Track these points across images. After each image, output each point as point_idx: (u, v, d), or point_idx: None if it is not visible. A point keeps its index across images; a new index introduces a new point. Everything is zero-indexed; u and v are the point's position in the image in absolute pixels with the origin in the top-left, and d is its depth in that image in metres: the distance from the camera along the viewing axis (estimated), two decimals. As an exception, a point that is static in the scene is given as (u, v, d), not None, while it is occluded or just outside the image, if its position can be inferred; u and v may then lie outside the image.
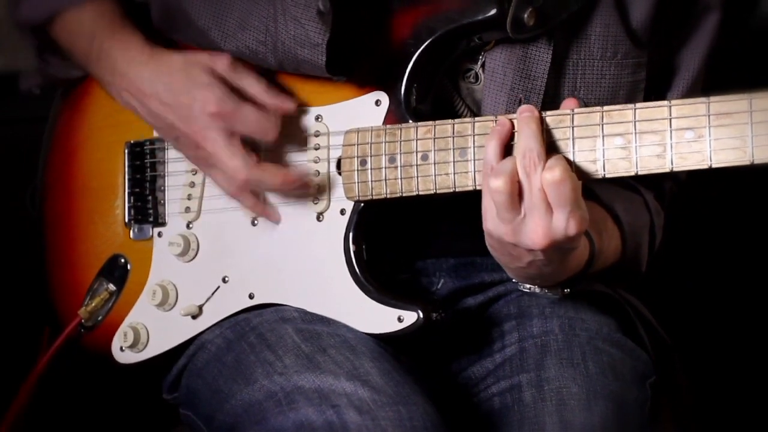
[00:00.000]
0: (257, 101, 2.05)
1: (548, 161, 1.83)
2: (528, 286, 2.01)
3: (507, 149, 1.90)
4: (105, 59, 2.14)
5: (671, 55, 2.16)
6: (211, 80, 2.05)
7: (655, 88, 2.12)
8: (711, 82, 2.14)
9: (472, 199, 1.95)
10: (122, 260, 2.21)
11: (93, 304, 2.21)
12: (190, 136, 2.06)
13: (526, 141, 1.85)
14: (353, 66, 2.04)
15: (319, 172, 2.07)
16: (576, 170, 1.86)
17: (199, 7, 2.13)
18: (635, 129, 1.85)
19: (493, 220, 1.87)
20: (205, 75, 2.05)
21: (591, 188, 2.07)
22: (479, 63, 2.07)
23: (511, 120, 1.90)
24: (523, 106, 1.89)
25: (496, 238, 1.88)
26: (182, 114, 2.05)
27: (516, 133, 1.88)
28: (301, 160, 2.09)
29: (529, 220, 1.84)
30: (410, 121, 2.01)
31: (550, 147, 1.88)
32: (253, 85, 2.07)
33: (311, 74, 2.06)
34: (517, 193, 1.84)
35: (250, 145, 2.05)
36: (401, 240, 2.13)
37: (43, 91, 2.31)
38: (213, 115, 2.02)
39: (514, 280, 2.02)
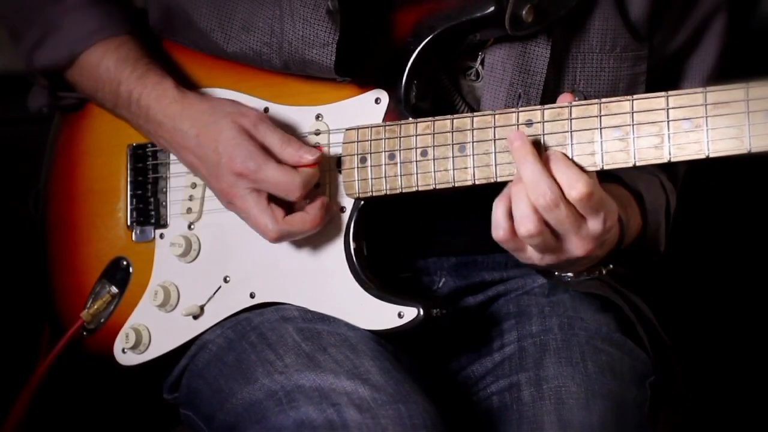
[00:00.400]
0: (280, 157, 2.05)
1: (563, 177, 1.85)
2: (569, 274, 2.03)
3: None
4: (136, 106, 2.14)
5: (681, 58, 2.17)
6: (236, 136, 2.04)
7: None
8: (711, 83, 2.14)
9: (473, 197, 1.96)
10: (124, 263, 2.22)
11: (95, 307, 2.21)
12: (222, 193, 2.07)
13: (529, 173, 1.86)
14: (359, 68, 2.05)
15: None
16: (574, 164, 1.87)
17: (202, 9, 2.13)
18: (633, 120, 1.86)
19: (537, 258, 1.91)
20: (231, 131, 2.05)
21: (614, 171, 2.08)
22: (479, 60, 2.07)
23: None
24: (511, 135, 1.89)
25: (545, 265, 1.93)
26: (212, 171, 2.06)
27: (517, 168, 1.88)
28: (302, 159, 2.10)
29: (570, 241, 1.88)
30: (409, 119, 2.02)
31: (549, 141, 1.90)
32: (275, 142, 2.05)
33: (317, 75, 2.07)
34: (547, 226, 1.86)
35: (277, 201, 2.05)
36: (402, 239, 2.14)
37: (52, 111, 2.31)
38: (238, 174, 2.03)
39: (556, 274, 2.04)
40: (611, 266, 2.03)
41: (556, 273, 2.03)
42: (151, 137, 2.16)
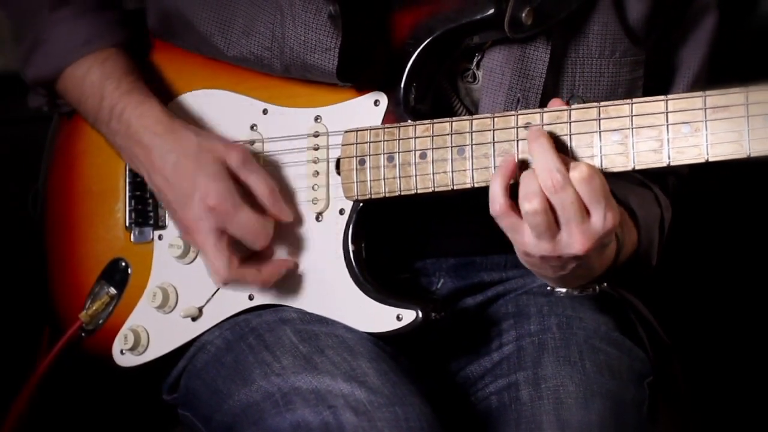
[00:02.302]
0: (258, 203, 2.04)
1: (571, 164, 1.84)
2: (564, 290, 2.01)
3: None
4: (117, 122, 2.12)
5: (671, 54, 2.17)
6: (218, 172, 2.03)
7: (657, 88, 2.12)
8: (711, 82, 2.14)
9: (472, 198, 1.95)
10: (123, 264, 2.21)
11: (94, 308, 2.21)
12: (184, 222, 2.06)
13: (543, 159, 1.85)
14: (360, 72, 2.04)
15: (318, 173, 2.08)
16: None
17: (202, 14, 2.13)
18: (632, 124, 1.85)
19: (531, 242, 1.87)
20: (214, 165, 2.03)
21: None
22: (475, 62, 2.07)
23: (512, 156, 1.90)
24: (531, 128, 1.89)
25: (536, 257, 1.89)
26: (180, 198, 2.05)
27: (530, 154, 1.88)
28: (300, 161, 2.09)
29: (568, 232, 1.85)
30: (409, 121, 2.02)
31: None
32: (260, 186, 2.05)
33: (318, 80, 2.07)
34: (551, 209, 1.84)
35: (236, 244, 2.04)
36: (401, 240, 2.13)
37: (51, 110, 2.30)
38: (210, 209, 2.02)
39: (549, 288, 2.02)
40: (605, 284, 2.02)
41: (549, 287, 2.02)
42: (123, 154, 2.14)
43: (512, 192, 1.88)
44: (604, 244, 1.89)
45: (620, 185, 2.09)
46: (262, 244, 2.04)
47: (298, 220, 2.09)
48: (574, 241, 1.85)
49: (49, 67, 2.17)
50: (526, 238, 1.88)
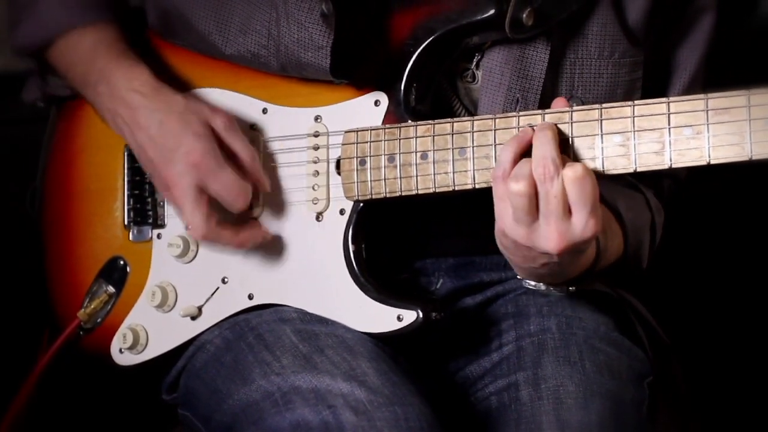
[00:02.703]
0: (240, 166, 2.06)
1: (568, 162, 1.84)
2: (533, 283, 2.01)
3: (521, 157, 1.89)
4: (105, 84, 2.13)
5: (669, 53, 2.17)
6: (204, 132, 2.05)
7: (654, 88, 2.13)
8: (711, 83, 2.14)
9: (472, 198, 1.96)
10: (121, 262, 2.21)
11: (92, 306, 2.21)
12: (164, 177, 2.06)
13: (543, 148, 1.84)
14: (356, 70, 2.04)
15: (318, 172, 2.08)
16: None
17: (200, 12, 2.13)
18: (634, 126, 1.85)
19: (509, 222, 1.86)
20: (199, 125, 2.05)
21: None
22: (474, 62, 2.07)
23: (532, 128, 1.89)
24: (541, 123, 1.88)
25: (510, 239, 1.88)
26: (164, 154, 2.06)
27: (533, 141, 1.87)
28: (300, 161, 2.09)
29: (546, 226, 1.83)
30: (409, 121, 2.02)
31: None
32: (243, 150, 2.06)
33: (314, 77, 2.07)
34: (535, 196, 1.84)
35: (215, 205, 2.05)
36: (400, 240, 2.13)
37: (47, 103, 2.31)
38: (193, 164, 2.03)
39: (519, 277, 2.01)
40: (572, 288, 2.01)
41: (519, 277, 2.01)
42: (108, 117, 2.14)
43: None
44: (580, 250, 1.88)
45: (610, 188, 2.09)
46: (240, 205, 2.05)
47: (298, 220, 2.09)
48: (549, 236, 1.84)
49: (40, 33, 2.17)
50: (506, 215, 1.87)
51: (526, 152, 1.87)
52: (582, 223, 1.82)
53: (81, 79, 2.17)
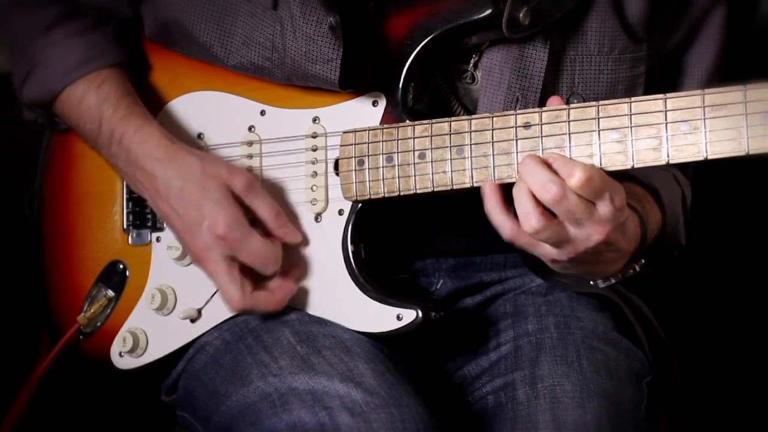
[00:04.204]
0: (265, 228, 2.05)
1: (563, 169, 1.85)
2: (603, 283, 2.02)
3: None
4: (117, 146, 2.11)
5: (679, 55, 2.17)
6: (224, 199, 2.03)
7: (666, 89, 2.12)
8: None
9: (471, 198, 1.95)
10: (121, 266, 2.21)
11: (92, 311, 2.21)
12: (193, 251, 2.06)
13: (534, 176, 1.85)
14: (361, 79, 2.04)
15: (316, 173, 2.08)
16: None
17: (201, 25, 2.12)
18: (631, 122, 1.86)
19: (551, 254, 1.89)
20: (219, 192, 2.03)
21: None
22: (472, 63, 2.07)
23: (489, 182, 1.92)
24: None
25: (565, 260, 1.90)
26: (189, 228, 2.05)
27: (520, 174, 1.88)
28: (299, 162, 2.09)
29: (582, 230, 1.86)
30: (407, 121, 2.02)
31: (547, 143, 1.90)
32: (265, 211, 2.05)
33: (319, 87, 2.06)
34: (552, 216, 1.85)
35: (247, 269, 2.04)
36: (400, 240, 2.13)
37: (48, 124, 2.29)
38: (219, 237, 2.02)
39: (591, 282, 2.03)
40: (643, 261, 2.02)
41: (591, 282, 2.03)
42: (128, 179, 2.14)
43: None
44: (621, 222, 1.89)
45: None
46: (272, 269, 2.04)
47: (297, 221, 2.08)
48: (591, 233, 1.86)
49: (44, 90, 2.17)
50: (547, 249, 1.89)
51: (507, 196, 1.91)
52: (608, 204, 1.85)
53: (92, 139, 2.16)
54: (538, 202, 1.85)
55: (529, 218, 1.85)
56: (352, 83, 2.04)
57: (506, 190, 1.92)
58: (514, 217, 1.89)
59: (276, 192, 2.10)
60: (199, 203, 2.03)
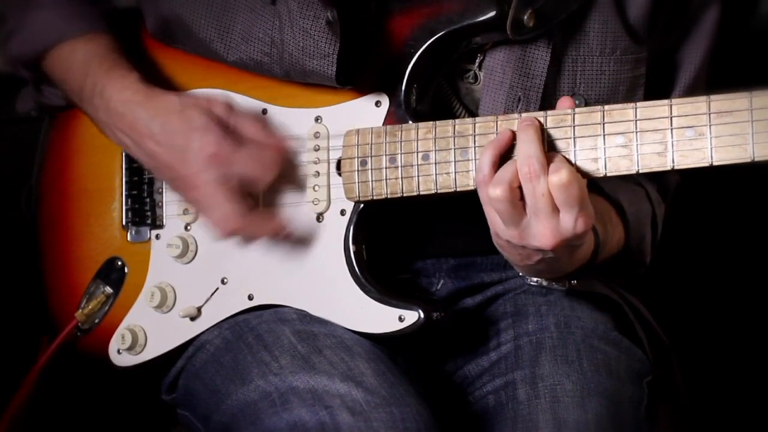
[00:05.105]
0: (254, 141, 2.04)
1: (552, 164, 1.85)
2: (535, 279, 2.03)
3: (503, 159, 1.90)
4: (99, 98, 2.12)
5: (672, 51, 2.17)
6: (208, 122, 2.03)
7: (657, 85, 2.13)
8: (711, 83, 2.15)
9: (473, 198, 1.95)
10: (119, 263, 2.21)
11: (89, 307, 2.20)
12: (187, 178, 2.04)
13: (527, 147, 1.85)
14: (360, 75, 2.04)
15: (318, 173, 2.07)
16: (577, 169, 1.87)
17: (201, 20, 2.13)
18: (636, 128, 1.86)
19: (499, 224, 1.88)
20: (201, 116, 2.04)
21: (596, 181, 2.07)
22: (477, 63, 2.07)
23: (511, 130, 1.90)
24: (524, 116, 1.89)
25: (504, 239, 1.90)
26: (178, 156, 2.04)
27: (517, 140, 1.88)
28: (301, 162, 2.09)
29: (536, 223, 1.85)
30: (410, 122, 2.02)
31: (551, 146, 1.89)
32: (249, 126, 2.05)
33: (318, 83, 2.07)
34: (518, 199, 1.85)
35: (244, 191, 2.03)
36: (401, 240, 2.13)
37: (40, 113, 2.30)
38: (211, 157, 2.01)
39: (520, 274, 2.03)
40: (574, 282, 2.03)
41: (520, 273, 2.03)
42: (108, 132, 2.14)
43: None
44: (574, 245, 1.90)
45: (610, 181, 2.10)
46: (271, 175, 2.03)
47: (299, 220, 2.08)
48: (540, 234, 1.85)
49: (34, 46, 2.17)
50: (495, 219, 1.89)
51: (507, 154, 1.89)
52: (572, 222, 1.84)
53: (76, 93, 2.17)
54: (516, 176, 1.85)
55: (497, 184, 1.85)
56: (351, 80, 2.04)
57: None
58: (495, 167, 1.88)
59: (277, 191, 2.10)
60: (184, 131, 2.04)
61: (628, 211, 2.12)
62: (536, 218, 1.85)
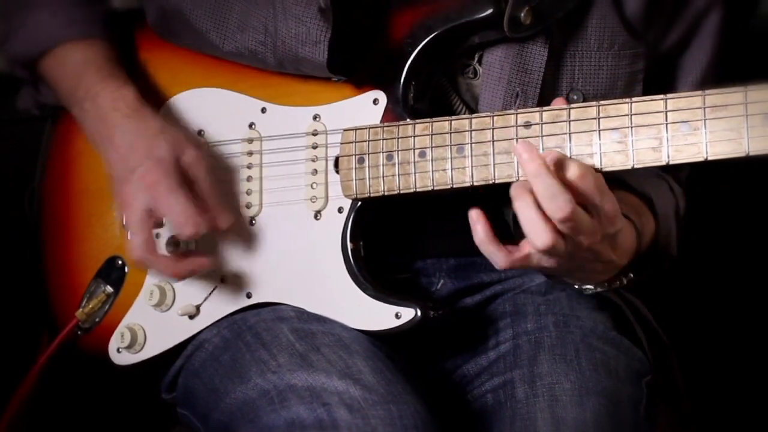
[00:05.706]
0: (201, 200, 2.06)
1: (562, 163, 1.85)
2: (590, 287, 2.04)
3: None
4: (90, 101, 2.14)
5: (676, 54, 2.17)
6: (168, 158, 2.05)
7: (662, 90, 2.12)
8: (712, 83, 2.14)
9: (472, 198, 1.95)
10: (119, 262, 2.21)
11: (90, 306, 2.21)
12: (120, 194, 2.08)
13: (549, 192, 1.84)
14: (353, 66, 2.05)
15: (316, 171, 2.08)
16: None
17: (197, 10, 2.14)
18: (631, 123, 1.86)
19: (554, 264, 1.89)
20: (166, 151, 2.06)
21: (620, 177, 2.06)
22: (477, 58, 2.08)
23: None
24: (519, 147, 1.87)
25: (552, 266, 1.91)
26: (124, 173, 2.07)
27: (530, 182, 1.86)
28: (299, 159, 2.09)
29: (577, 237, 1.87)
30: (407, 119, 2.02)
31: (547, 142, 1.90)
32: (204, 183, 2.07)
33: (311, 74, 2.07)
34: (561, 234, 1.85)
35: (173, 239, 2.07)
36: (401, 240, 2.14)
37: (42, 111, 2.31)
38: (147, 186, 2.04)
39: (576, 287, 2.04)
40: (631, 275, 2.03)
41: (576, 286, 2.04)
42: (87, 135, 2.17)
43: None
44: (609, 233, 1.89)
45: (635, 176, 2.10)
46: (187, 233, 2.04)
47: (297, 218, 2.09)
48: (581, 239, 1.87)
49: (32, 45, 2.19)
50: (534, 263, 1.90)
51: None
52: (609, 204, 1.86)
53: (68, 94, 2.18)
54: (546, 217, 1.84)
55: (543, 234, 1.84)
56: (344, 69, 2.04)
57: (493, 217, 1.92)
58: (504, 245, 1.89)
59: (275, 189, 2.11)
60: (144, 155, 2.06)
61: (656, 203, 2.12)
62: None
